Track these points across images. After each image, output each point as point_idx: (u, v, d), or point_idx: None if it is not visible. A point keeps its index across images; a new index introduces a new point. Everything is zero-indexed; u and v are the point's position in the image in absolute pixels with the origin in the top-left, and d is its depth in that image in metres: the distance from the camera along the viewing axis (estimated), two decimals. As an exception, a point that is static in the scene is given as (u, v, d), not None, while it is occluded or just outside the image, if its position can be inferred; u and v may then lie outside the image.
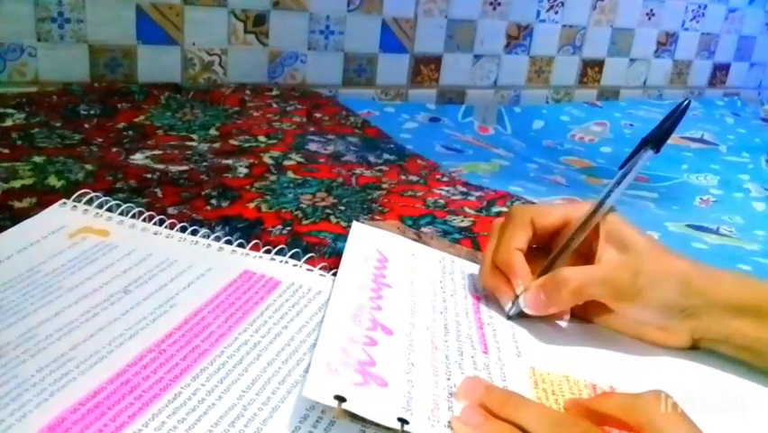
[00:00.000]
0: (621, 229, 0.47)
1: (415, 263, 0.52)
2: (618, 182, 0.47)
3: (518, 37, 1.42)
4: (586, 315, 0.49)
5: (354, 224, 0.56)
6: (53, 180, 0.64)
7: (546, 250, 0.49)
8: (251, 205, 0.65)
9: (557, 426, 0.33)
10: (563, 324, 0.49)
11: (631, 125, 1.38)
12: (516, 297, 0.47)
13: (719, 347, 0.46)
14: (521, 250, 0.47)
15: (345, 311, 0.42)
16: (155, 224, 0.55)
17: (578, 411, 0.37)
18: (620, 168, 0.48)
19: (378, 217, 0.65)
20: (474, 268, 0.53)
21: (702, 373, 0.45)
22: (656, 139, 0.46)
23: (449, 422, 0.35)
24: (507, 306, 0.47)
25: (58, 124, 0.86)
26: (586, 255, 0.48)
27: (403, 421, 0.33)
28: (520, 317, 0.47)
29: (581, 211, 0.48)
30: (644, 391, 0.34)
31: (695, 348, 0.47)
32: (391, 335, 0.41)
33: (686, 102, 0.46)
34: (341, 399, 0.33)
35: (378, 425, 0.33)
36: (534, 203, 0.73)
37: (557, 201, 0.79)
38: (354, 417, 0.33)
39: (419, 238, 0.57)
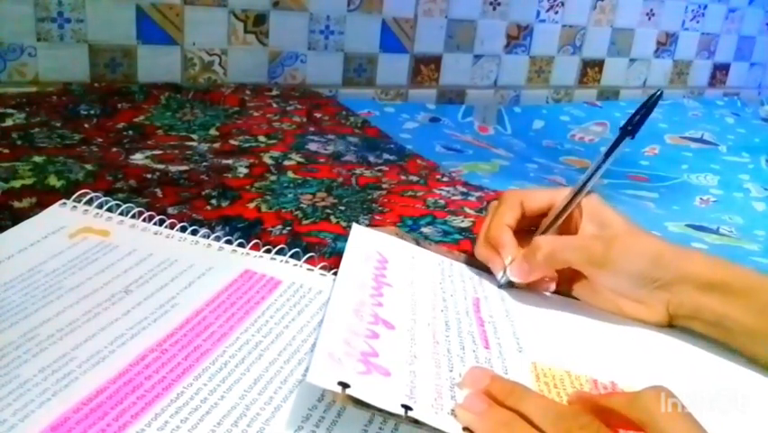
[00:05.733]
0: (600, 209, 0.52)
1: (414, 265, 0.52)
2: (599, 166, 0.51)
3: (518, 37, 1.42)
4: (568, 288, 0.53)
5: (354, 226, 0.56)
6: (53, 180, 0.64)
7: (534, 232, 0.54)
8: (251, 205, 0.65)
9: (560, 418, 0.34)
10: (548, 293, 0.53)
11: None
12: (505, 267, 0.51)
13: (693, 324, 0.48)
14: (510, 226, 0.52)
15: (347, 307, 0.42)
16: (155, 224, 0.55)
17: (582, 406, 0.37)
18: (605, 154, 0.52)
19: (378, 218, 0.65)
20: (472, 272, 0.54)
21: (704, 369, 0.45)
22: (633, 126, 0.50)
23: (452, 410, 0.35)
24: (499, 274, 0.52)
25: (58, 124, 0.86)
26: (569, 234, 0.52)
27: (407, 408, 0.33)
28: (510, 286, 0.52)
29: (565, 194, 0.52)
30: (645, 388, 0.34)
31: (673, 327, 0.49)
32: (393, 329, 0.41)
33: (658, 93, 0.50)
34: (344, 385, 0.33)
35: (381, 411, 0.33)
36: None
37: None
38: (358, 404, 0.33)
39: (417, 244, 0.57)
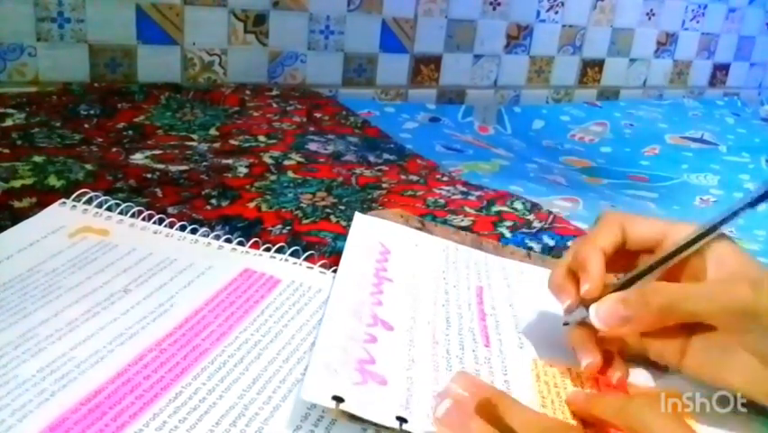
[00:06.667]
0: (733, 258, 0.39)
1: (417, 254, 0.52)
2: (741, 209, 0.39)
3: (518, 37, 1.42)
4: (669, 358, 0.39)
5: (356, 215, 0.56)
6: (53, 180, 0.64)
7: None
8: (251, 204, 0.65)
9: (546, 432, 0.33)
10: (615, 378, 0.40)
11: (631, 125, 1.38)
12: (580, 301, 0.40)
13: None
14: (605, 252, 0.40)
15: (346, 307, 0.42)
16: (155, 223, 0.55)
17: (579, 407, 0.37)
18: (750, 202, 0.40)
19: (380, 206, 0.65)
20: (479, 255, 0.53)
21: None
22: None
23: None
24: (567, 306, 0.41)
25: (58, 124, 0.86)
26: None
27: (402, 420, 0.33)
28: (572, 335, 0.41)
29: (684, 231, 0.40)
30: (637, 395, 0.34)
31: None
32: (392, 330, 0.41)
33: None
34: (339, 399, 0.33)
35: (377, 425, 0.33)
36: (536, 203, 0.73)
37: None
38: (353, 417, 0.33)
39: (423, 226, 0.57)
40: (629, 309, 0.37)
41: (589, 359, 0.39)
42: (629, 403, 0.33)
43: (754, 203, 0.39)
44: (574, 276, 0.41)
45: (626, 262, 0.42)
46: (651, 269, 0.40)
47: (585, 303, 0.40)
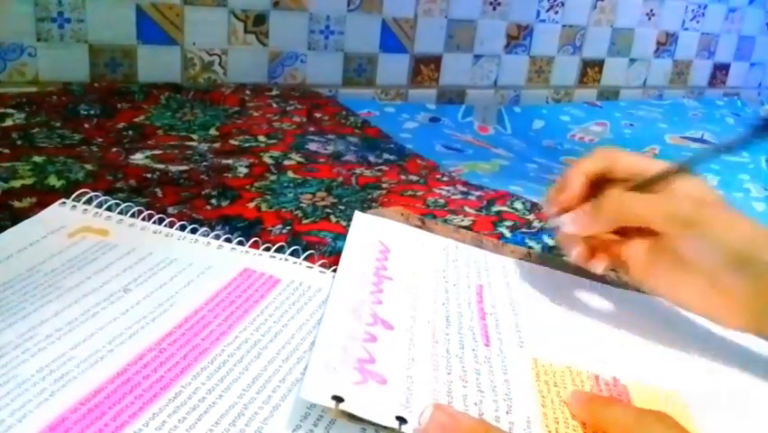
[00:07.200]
0: (701, 191, 0.44)
1: (418, 253, 0.52)
2: (717, 151, 0.46)
3: (518, 37, 1.42)
4: (635, 270, 0.45)
5: (356, 214, 0.56)
6: (53, 180, 0.64)
7: None
8: (251, 204, 0.65)
9: None
10: (601, 266, 0.46)
11: (631, 125, 1.38)
12: (561, 210, 0.46)
13: None
14: (587, 175, 0.46)
15: (345, 306, 0.42)
16: (155, 223, 0.55)
17: (577, 408, 0.37)
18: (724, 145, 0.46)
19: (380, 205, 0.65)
20: (479, 253, 0.53)
21: (708, 368, 0.45)
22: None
23: None
24: (551, 216, 0.48)
25: (58, 124, 0.86)
26: None
27: (401, 420, 0.33)
28: (556, 245, 0.49)
29: (662, 165, 0.45)
30: (648, 412, 0.34)
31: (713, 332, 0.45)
32: (392, 330, 0.41)
33: None
34: (338, 399, 0.33)
35: (377, 424, 0.33)
36: (536, 203, 0.73)
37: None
38: (353, 417, 0.33)
39: (423, 224, 0.57)
40: (588, 214, 0.44)
41: (575, 250, 0.47)
42: (639, 423, 0.34)
43: (729, 147, 0.45)
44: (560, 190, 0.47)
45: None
46: None
47: (565, 212, 0.47)
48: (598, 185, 0.47)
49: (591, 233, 0.46)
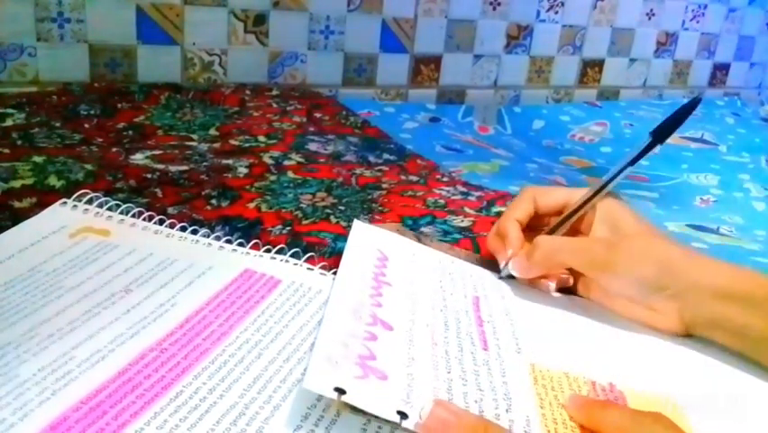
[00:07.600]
0: (616, 211, 0.50)
1: (414, 262, 0.52)
2: (621, 169, 0.50)
3: (518, 37, 1.42)
4: (581, 289, 0.52)
5: (355, 222, 0.56)
6: (53, 180, 0.64)
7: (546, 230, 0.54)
8: (251, 205, 0.65)
9: None
10: (554, 293, 0.52)
11: (631, 125, 1.38)
12: (508, 260, 0.51)
13: (712, 335, 0.46)
14: (519, 221, 0.52)
15: (345, 307, 0.42)
16: (155, 223, 0.55)
17: (575, 411, 0.37)
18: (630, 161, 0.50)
19: (378, 218, 0.65)
20: (473, 269, 0.54)
21: (704, 373, 0.45)
22: (663, 132, 0.49)
23: None
24: (501, 265, 0.53)
25: (58, 124, 0.86)
26: (582, 236, 0.52)
27: (403, 415, 0.33)
28: (511, 279, 0.53)
29: (582, 194, 0.51)
30: (645, 413, 0.35)
31: (692, 337, 0.47)
32: (391, 330, 0.41)
33: (697, 99, 0.49)
34: (341, 391, 0.33)
35: (378, 418, 0.33)
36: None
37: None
38: (355, 409, 0.33)
39: (419, 240, 0.57)
40: (526, 261, 0.49)
41: (528, 277, 0.52)
42: (637, 424, 0.34)
43: (632, 162, 0.49)
44: (502, 240, 0.53)
45: (543, 224, 0.54)
46: (556, 228, 0.52)
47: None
48: (531, 225, 0.53)
49: (531, 276, 0.51)
